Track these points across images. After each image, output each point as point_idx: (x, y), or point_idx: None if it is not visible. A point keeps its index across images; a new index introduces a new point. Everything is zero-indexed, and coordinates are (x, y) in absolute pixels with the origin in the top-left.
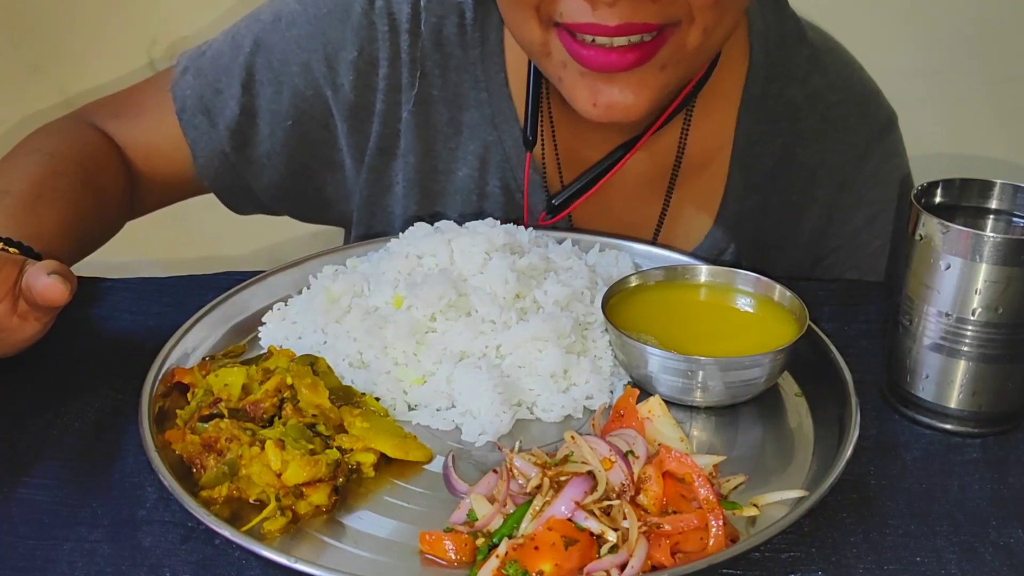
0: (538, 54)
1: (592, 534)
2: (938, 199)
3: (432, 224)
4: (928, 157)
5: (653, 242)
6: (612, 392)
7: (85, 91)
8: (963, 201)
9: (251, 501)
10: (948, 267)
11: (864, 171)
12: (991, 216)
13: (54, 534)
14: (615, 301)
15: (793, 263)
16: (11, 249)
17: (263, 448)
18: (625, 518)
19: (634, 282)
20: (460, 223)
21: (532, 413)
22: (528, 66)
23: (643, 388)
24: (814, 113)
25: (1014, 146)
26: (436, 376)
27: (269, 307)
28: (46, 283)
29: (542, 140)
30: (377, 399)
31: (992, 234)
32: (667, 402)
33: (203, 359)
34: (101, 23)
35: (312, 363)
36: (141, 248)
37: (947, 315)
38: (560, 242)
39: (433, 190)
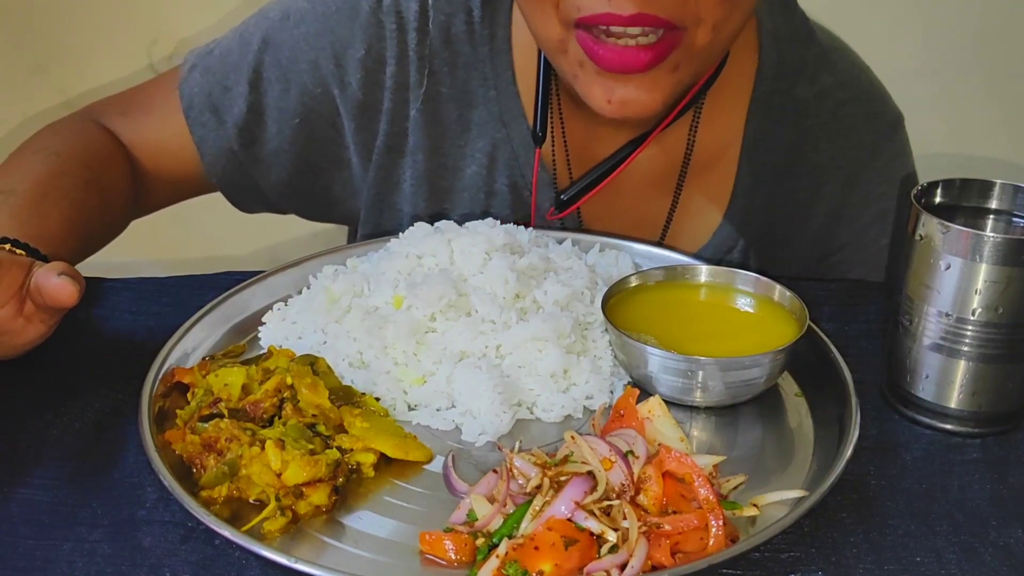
0: (555, 51)
1: (592, 534)
2: (938, 199)
3: (432, 224)
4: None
5: (653, 242)
6: (612, 392)
7: (86, 91)
8: (963, 201)
9: (251, 501)
10: (948, 267)
11: (873, 168)
12: (991, 216)
13: (54, 534)
14: (615, 301)
15: (800, 260)
16: (17, 251)
17: (263, 448)
18: (625, 518)
19: (634, 282)
20: (461, 223)
21: (532, 413)
22: (537, 63)
23: (643, 388)
24: (823, 111)
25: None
26: (436, 376)
27: (269, 307)
28: (56, 284)
29: (551, 137)
30: (377, 399)
31: (992, 234)
32: (667, 402)
33: (203, 359)
34: (102, 24)
35: (312, 363)
36: (141, 248)
37: (947, 315)
38: (560, 242)
39: (441, 187)
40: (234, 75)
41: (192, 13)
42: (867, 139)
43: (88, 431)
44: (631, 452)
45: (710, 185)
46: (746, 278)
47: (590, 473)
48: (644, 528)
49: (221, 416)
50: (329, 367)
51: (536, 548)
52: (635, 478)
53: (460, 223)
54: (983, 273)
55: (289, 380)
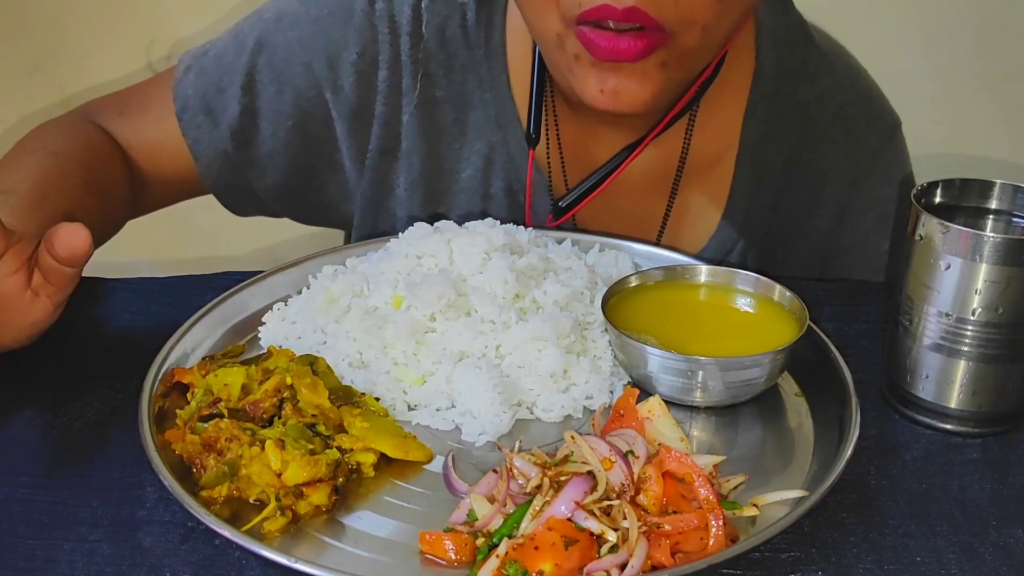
0: (552, 46)
1: (592, 534)
2: (938, 199)
3: (432, 224)
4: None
5: (653, 242)
6: (612, 392)
7: (84, 91)
8: (963, 201)
9: (251, 501)
10: (948, 267)
11: (875, 171)
12: (991, 216)
13: (54, 534)
14: (615, 301)
15: (802, 264)
16: None
17: (263, 448)
18: (625, 518)
19: (634, 282)
20: (460, 223)
21: (532, 413)
22: (532, 65)
23: (643, 388)
24: (824, 113)
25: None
26: (436, 376)
27: (269, 307)
28: (68, 228)
29: (546, 140)
30: (377, 399)
31: (992, 234)
32: (667, 402)
33: (203, 359)
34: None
35: (312, 363)
36: (141, 248)
37: (947, 315)
38: (560, 242)
39: (437, 191)
40: (228, 77)
41: (190, 13)
42: (869, 141)
43: (88, 431)
44: (631, 452)
45: (707, 188)
46: (746, 278)
47: (590, 473)
48: (644, 528)
49: (221, 416)
50: (329, 367)
51: (536, 548)
52: (635, 478)
53: (460, 223)
54: (983, 273)
55: (289, 380)
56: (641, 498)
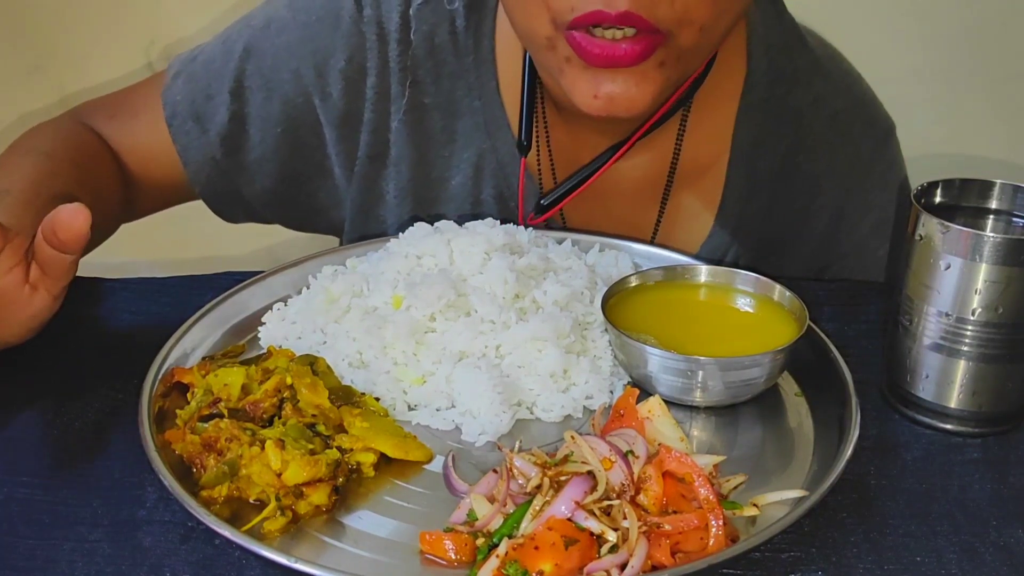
0: (541, 48)
1: (592, 534)
2: (938, 199)
3: (432, 224)
4: (928, 157)
5: (653, 242)
6: (612, 392)
7: (83, 91)
8: (963, 201)
9: (251, 501)
10: (948, 267)
11: (870, 177)
12: (991, 216)
13: (54, 534)
14: (615, 301)
15: (798, 270)
16: None
17: (263, 448)
18: (625, 518)
19: (634, 282)
20: (460, 223)
21: (532, 413)
22: (522, 72)
23: (643, 388)
24: (819, 119)
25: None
26: (436, 376)
27: (269, 307)
28: (69, 209)
29: (536, 146)
30: (377, 399)
31: (992, 234)
32: (667, 402)
33: (203, 359)
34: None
35: (312, 363)
36: (141, 248)
37: (947, 315)
38: (560, 242)
39: (427, 198)
40: (216, 83)
41: (190, 12)
42: (863, 147)
43: (88, 431)
44: (631, 452)
45: (700, 193)
46: (746, 278)
47: (590, 473)
48: (644, 528)
49: (221, 416)
50: (329, 367)
51: (536, 548)
52: (635, 478)
53: (460, 223)
54: (983, 273)
55: (289, 380)
56: (641, 498)
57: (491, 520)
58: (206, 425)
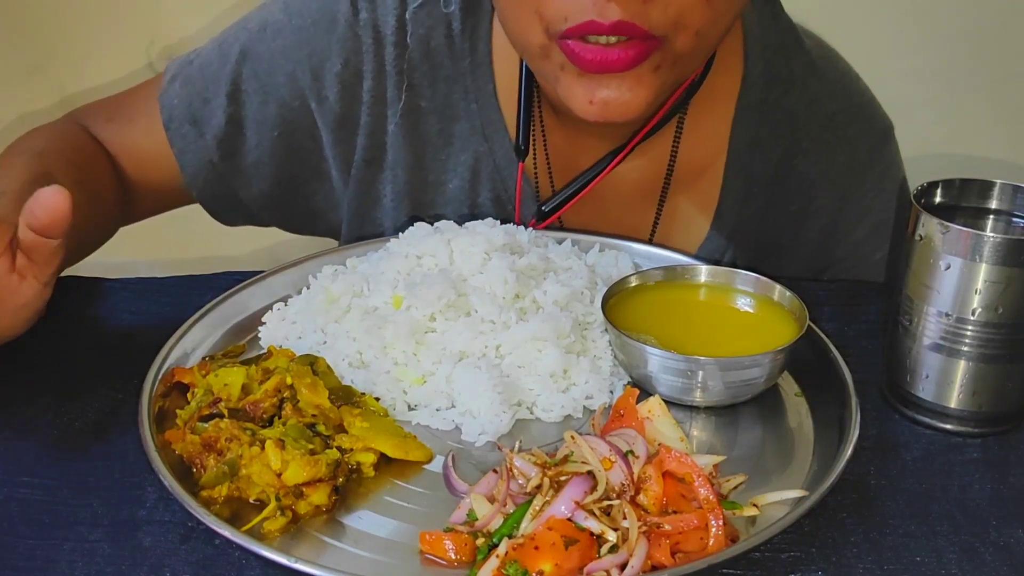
0: (536, 56)
1: (592, 534)
2: (938, 199)
3: (432, 224)
4: (928, 157)
5: (653, 242)
6: (612, 392)
7: (84, 91)
8: (963, 201)
9: (251, 501)
10: (948, 267)
11: (866, 181)
12: (991, 216)
13: (54, 534)
14: (615, 301)
15: (795, 273)
16: None
17: (263, 448)
18: (625, 518)
19: (634, 282)
20: (460, 223)
21: (532, 413)
22: (519, 76)
23: (643, 388)
24: (814, 122)
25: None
26: (436, 376)
27: (269, 307)
28: (48, 191)
29: (533, 150)
30: (377, 399)
31: (992, 234)
32: (667, 402)
33: (203, 359)
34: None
35: (312, 363)
36: (141, 248)
37: (947, 315)
38: (560, 242)
39: (423, 202)
40: (213, 87)
41: (190, 12)
42: (860, 150)
43: (88, 431)
44: (631, 452)
45: (696, 196)
46: (746, 278)
47: (590, 473)
48: (644, 528)
49: (221, 416)
50: (329, 367)
51: (536, 548)
52: (635, 478)
53: (460, 223)
54: (983, 273)
55: (289, 380)
56: (641, 498)
57: (491, 520)
58: (206, 425)
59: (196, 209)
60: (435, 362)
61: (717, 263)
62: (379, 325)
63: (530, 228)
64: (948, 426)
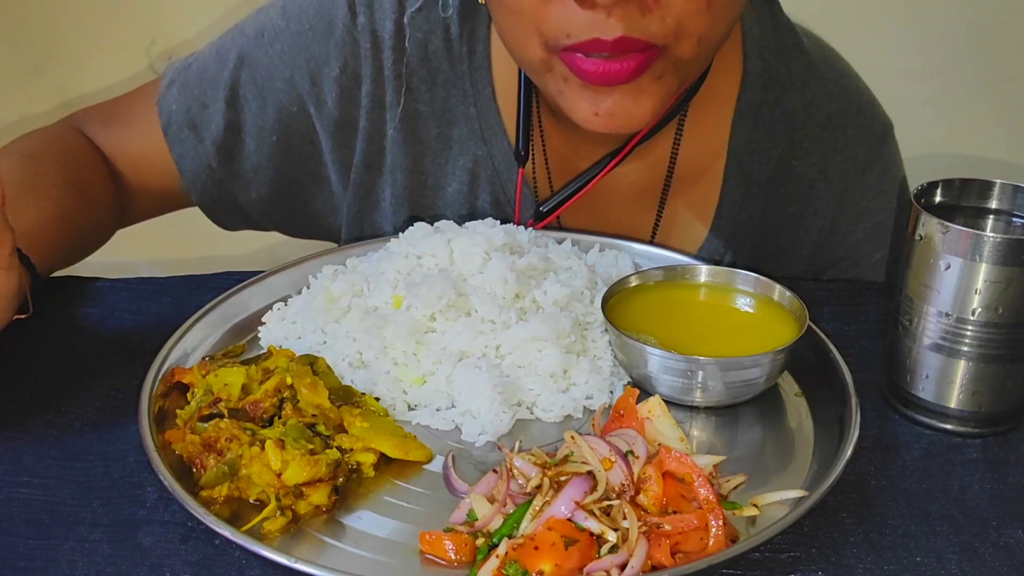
0: (537, 71)
1: (592, 534)
2: (938, 199)
3: (432, 224)
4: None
5: (653, 242)
6: (612, 392)
7: (84, 92)
8: (963, 201)
9: (251, 501)
10: (948, 267)
11: (865, 182)
12: (991, 216)
13: (54, 534)
14: (615, 301)
15: (793, 275)
16: None
17: (263, 448)
18: (625, 518)
19: (634, 282)
20: (460, 223)
21: (532, 413)
22: (518, 80)
23: (643, 388)
24: (812, 123)
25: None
26: (436, 376)
27: (269, 307)
28: None
29: (532, 154)
30: (377, 399)
31: (992, 234)
32: (667, 402)
33: (203, 359)
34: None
35: (312, 363)
36: (141, 248)
37: (947, 315)
38: (560, 242)
39: (423, 206)
40: (211, 92)
41: (191, 13)
42: (859, 151)
43: (88, 431)
44: (631, 452)
45: (696, 198)
46: (746, 278)
47: (590, 473)
48: (644, 528)
49: (221, 416)
50: (329, 367)
51: (536, 548)
52: (635, 478)
53: (460, 223)
54: (983, 273)
55: (289, 380)
56: (641, 498)
57: (491, 520)
58: (206, 425)
59: (196, 210)
60: (435, 362)
61: (717, 263)
62: (379, 325)
63: (530, 228)
64: (948, 426)
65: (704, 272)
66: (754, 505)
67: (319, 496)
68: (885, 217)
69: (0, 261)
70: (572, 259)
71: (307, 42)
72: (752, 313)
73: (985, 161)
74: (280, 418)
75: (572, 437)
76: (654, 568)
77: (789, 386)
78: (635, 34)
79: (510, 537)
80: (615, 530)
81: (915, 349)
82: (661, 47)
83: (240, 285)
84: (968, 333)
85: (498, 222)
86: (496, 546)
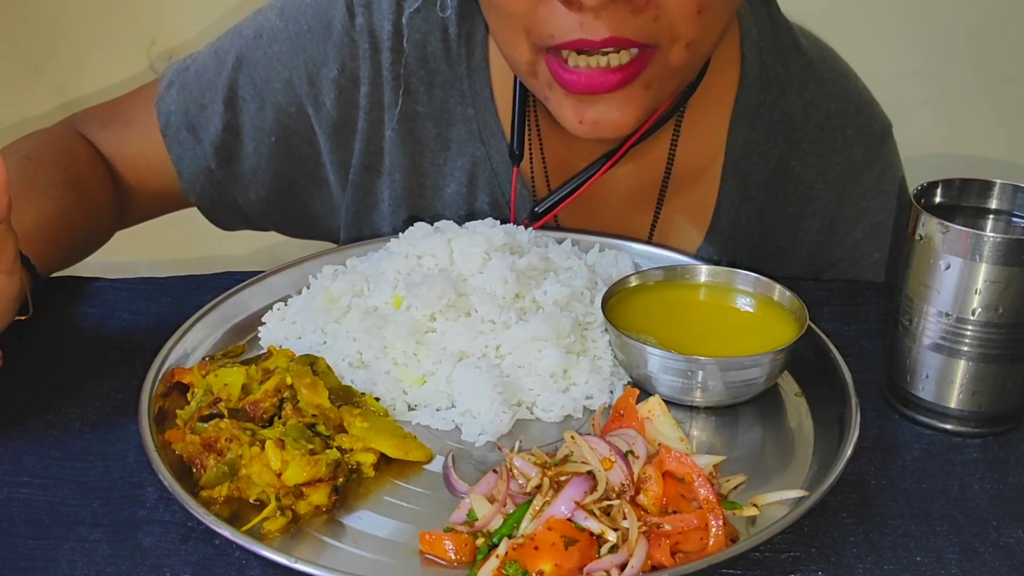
0: (525, 74)
1: (592, 534)
2: (938, 199)
3: (432, 224)
4: (928, 157)
5: (653, 242)
6: (612, 392)
7: (84, 92)
8: (963, 201)
9: (251, 501)
10: (948, 267)
11: (863, 182)
12: (991, 216)
13: (54, 534)
14: (615, 301)
15: (792, 276)
16: None
17: (263, 448)
18: (625, 518)
19: (634, 282)
20: (460, 223)
21: (532, 413)
22: (514, 80)
23: (643, 388)
24: (811, 124)
25: (1014, 146)
26: (436, 376)
27: (269, 307)
28: None
29: (529, 154)
30: (377, 399)
31: (992, 234)
32: (667, 402)
33: (203, 359)
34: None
35: (312, 363)
36: (141, 248)
37: (947, 315)
38: (560, 242)
39: (421, 207)
40: (210, 93)
41: (191, 13)
42: (857, 152)
43: (88, 431)
44: (631, 452)
45: (694, 199)
46: (746, 278)
47: (590, 473)
48: (644, 528)
49: (221, 416)
50: (329, 367)
51: (536, 548)
52: (635, 478)
53: (460, 223)
54: (983, 273)
55: (289, 380)
56: (641, 498)
57: (491, 520)
58: (206, 425)
59: (195, 210)
60: (435, 362)
61: (716, 264)
62: (379, 325)
63: (530, 228)
64: (948, 426)
65: (704, 272)
66: (754, 505)
67: (319, 496)
68: (884, 217)
69: (2, 265)
70: (572, 259)
71: (305, 43)
72: (752, 313)
73: (985, 161)
74: (280, 418)
75: (572, 437)
76: (654, 568)
77: (789, 386)
78: (624, 34)
79: (510, 537)
80: (615, 530)
81: (915, 349)
82: (653, 47)
83: (240, 285)
84: (968, 333)
85: (498, 222)
86: (496, 546)
